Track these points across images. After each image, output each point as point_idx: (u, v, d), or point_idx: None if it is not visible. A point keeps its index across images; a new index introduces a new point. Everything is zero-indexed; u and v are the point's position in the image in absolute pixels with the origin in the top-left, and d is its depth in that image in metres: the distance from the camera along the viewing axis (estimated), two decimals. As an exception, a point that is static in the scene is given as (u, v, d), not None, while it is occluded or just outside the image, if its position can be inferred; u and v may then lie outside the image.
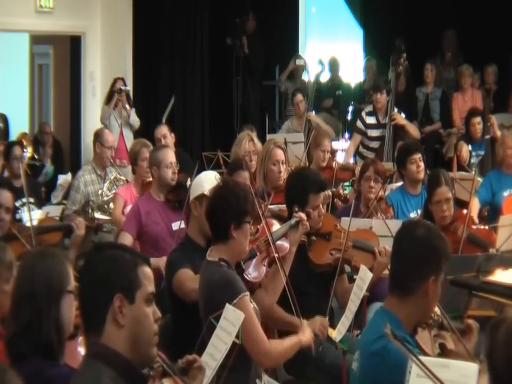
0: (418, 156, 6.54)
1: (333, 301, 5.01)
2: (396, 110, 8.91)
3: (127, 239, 5.83)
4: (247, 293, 3.87)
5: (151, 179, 6.75)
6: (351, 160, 8.81)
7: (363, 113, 9.11)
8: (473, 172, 6.94)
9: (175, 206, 5.88)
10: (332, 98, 10.91)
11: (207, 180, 4.68)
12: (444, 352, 3.23)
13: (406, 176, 6.64)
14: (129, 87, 10.36)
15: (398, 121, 8.84)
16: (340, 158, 8.64)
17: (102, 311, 2.43)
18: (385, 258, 4.77)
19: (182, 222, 5.65)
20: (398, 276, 3.15)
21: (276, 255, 4.28)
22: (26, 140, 9.62)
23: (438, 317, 3.28)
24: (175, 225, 5.76)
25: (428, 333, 3.24)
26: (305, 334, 4.09)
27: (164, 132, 8.11)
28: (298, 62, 11.22)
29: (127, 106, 9.72)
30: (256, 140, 7.06)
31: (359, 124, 9.06)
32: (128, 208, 6.58)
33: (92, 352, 2.47)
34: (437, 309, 3.29)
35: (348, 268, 5.16)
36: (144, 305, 2.46)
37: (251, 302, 3.90)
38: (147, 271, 2.50)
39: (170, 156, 6.05)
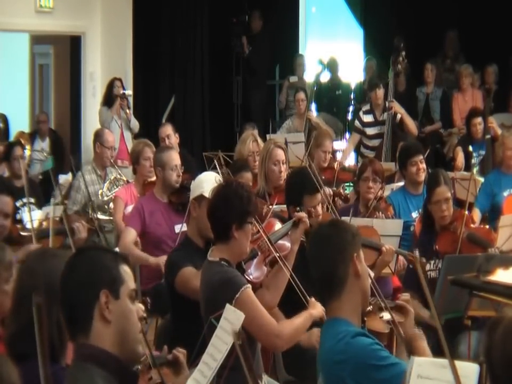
0: (419, 158, 6.53)
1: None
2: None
3: (132, 234, 5.80)
4: (249, 285, 3.89)
5: (152, 179, 6.76)
6: (352, 161, 8.80)
7: (360, 113, 9.12)
8: (474, 172, 6.96)
9: (178, 208, 5.84)
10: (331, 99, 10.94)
11: (207, 181, 4.67)
12: (396, 327, 3.28)
13: (407, 177, 6.64)
14: (129, 87, 10.37)
15: (396, 110, 8.83)
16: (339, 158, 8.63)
17: (89, 309, 2.47)
18: (390, 256, 4.79)
19: (185, 225, 5.58)
20: (326, 277, 3.12)
21: (278, 254, 4.28)
22: (25, 138, 9.63)
23: (374, 301, 3.33)
24: (178, 228, 5.73)
25: (374, 318, 3.29)
26: (316, 308, 4.07)
27: (168, 132, 8.09)
28: (292, 79, 11.23)
29: (128, 110, 9.71)
30: (259, 140, 7.06)
31: (356, 123, 9.07)
32: (129, 208, 6.58)
33: (82, 354, 2.48)
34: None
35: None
36: (128, 301, 2.51)
37: None
38: (127, 269, 2.56)
39: (175, 158, 6.00)
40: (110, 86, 10.01)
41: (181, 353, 2.85)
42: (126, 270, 2.55)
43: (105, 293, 2.46)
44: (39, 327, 1.98)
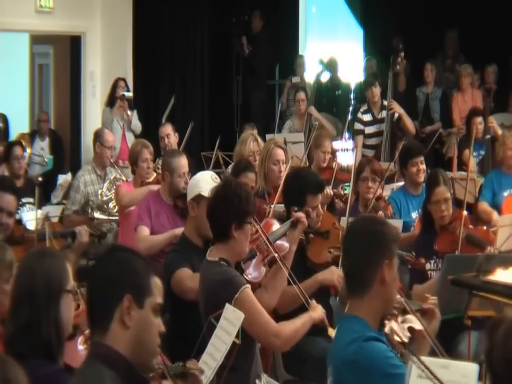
0: (420, 159, 6.54)
1: (332, 300, 5.02)
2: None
3: (145, 231, 5.74)
4: (248, 285, 3.90)
5: (150, 180, 6.75)
6: (351, 161, 8.78)
7: (359, 113, 9.15)
8: (473, 173, 6.95)
9: (183, 214, 5.79)
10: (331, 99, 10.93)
11: (204, 180, 4.68)
12: (413, 335, 3.24)
13: (407, 177, 6.65)
14: (130, 87, 10.35)
15: (395, 110, 8.85)
16: (341, 158, 8.61)
17: (110, 309, 2.43)
18: None
19: None
20: (353, 274, 3.11)
21: (276, 254, 4.28)
22: (25, 140, 9.63)
23: (399, 303, 3.29)
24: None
25: (394, 322, 3.25)
26: (316, 311, 4.10)
27: (168, 132, 8.13)
28: (294, 80, 11.23)
29: (129, 112, 9.71)
30: (260, 139, 7.05)
31: (357, 125, 9.09)
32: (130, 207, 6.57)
33: (94, 352, 2.46)
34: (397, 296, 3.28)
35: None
36: (151, 314, 2.47)
37: None
38: (158, 282, 2.52)
39: (184, 165, 5.91)
40: (114, 86, 10.02)
41: (197, 370, 2.84)
42: (156, 282, 2.51)
43: (128, 298, 2.42)
44: None
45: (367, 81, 9.47)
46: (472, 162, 8.16)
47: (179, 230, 5.32)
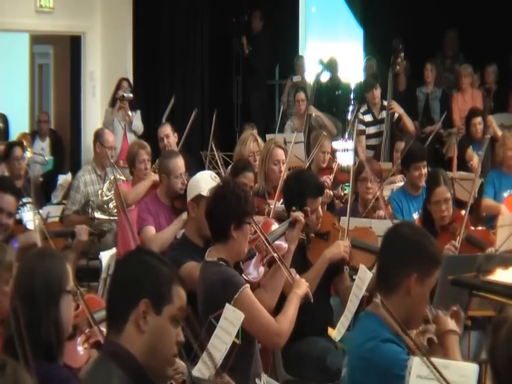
0: (422, 164, 6.55)
1: (333, 300, 5.02)
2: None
3: (152, 231, 5.73)
4: (247, 285, 3.90)
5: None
6: (351, 161, 8.78)
7: (359, 114, 9.16)
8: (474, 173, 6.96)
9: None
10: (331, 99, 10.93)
11: (203, 180, 4.69)
12: (431, 347, 3.22)
13: (408, 179, 6.65)
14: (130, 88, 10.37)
15: (395, 110, 8.87)
16: (341, 158, 8.61)
17: (126, 311, 2.42)
18: None
19: None
20: (382, 273, 3.12)
21: (275, 254, 4.28)
22: (27, 140, 9.63)
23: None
24: (180, 234, 5.67)
25: (415, 330, 3.23)
26: (300, 287, 4.12)
27: (167, 132, 8.12)
28: (295, 79, 11.23)
29: (130, 113, 9.70)
30: (260, 140, 7.05)
31: (358, 126, 9.08)
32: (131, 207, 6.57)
33: (107, 350, 2.46)
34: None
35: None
36: (169, 322, 2.43)
37: None
38: (182, 292, 2.47)
39: (180, 166, 5.91)
40: (117, 87, 10.02)
41: None
42: (179, 292, 2.46)
43: (146, 302, 2.40)
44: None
45: (368, 83, 9.46)
46: (476, 160, 8.16)
47: (185, 214, 5.25)
